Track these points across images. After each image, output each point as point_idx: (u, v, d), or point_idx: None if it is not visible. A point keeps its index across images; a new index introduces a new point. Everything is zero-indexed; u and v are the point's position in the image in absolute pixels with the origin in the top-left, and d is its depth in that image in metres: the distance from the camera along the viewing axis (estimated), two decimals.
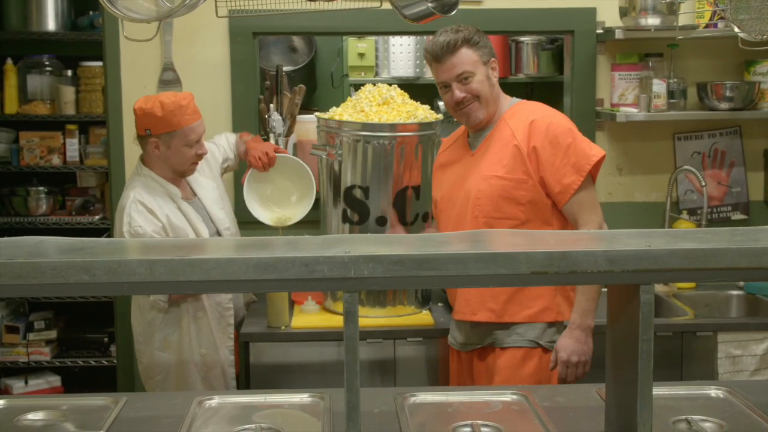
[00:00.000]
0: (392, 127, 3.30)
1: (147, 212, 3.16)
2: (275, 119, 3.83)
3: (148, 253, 1.88)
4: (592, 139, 3.95)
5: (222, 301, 3.30)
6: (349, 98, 3.53)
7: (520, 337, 2.85)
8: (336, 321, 3.40)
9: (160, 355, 3.26)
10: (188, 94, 3.25)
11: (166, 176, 3.26)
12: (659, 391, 2.28)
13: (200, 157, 3.27)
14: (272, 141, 3.81)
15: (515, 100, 2.94)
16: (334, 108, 3.49)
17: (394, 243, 1.98)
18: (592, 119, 3.97)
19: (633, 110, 3.83)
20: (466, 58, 2.85)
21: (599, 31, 3.92)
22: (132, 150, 3.87)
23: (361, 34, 4.70)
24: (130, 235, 3.11)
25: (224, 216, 3.38)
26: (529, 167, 2.77)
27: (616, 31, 3.72)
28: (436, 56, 2.87)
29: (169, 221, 3.19)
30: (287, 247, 1.90)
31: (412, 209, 3.32)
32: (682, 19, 3.67)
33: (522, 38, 4.86)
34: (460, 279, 1.83)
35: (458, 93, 2.87)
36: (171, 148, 3.20)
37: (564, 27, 3.94)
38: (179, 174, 3.27)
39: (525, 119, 2.81)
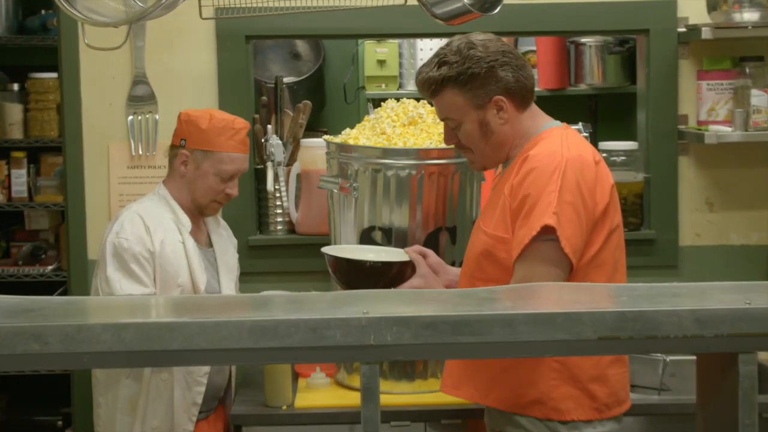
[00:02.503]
0: (421, 153, 3.32)
1: (143, 228, 3.26)
2: (274, 144, 3.86)
3: (116, 314, 1.88)
4: (674, 166, 3.97)
5: (194, 371, 3.32)
6: (366, 117, 3.56)
7: None
8: (351, 399, 3.40)
9: (123, 421, 3.27)
10: (245, 122, 3.42)
11: (183, 203, 3.38)
12: None
13: (228, 198, 3.39)
14: (270, 170, 3.85)
15: (547, 125, 2.89)
16: (347, 130, 3.52)
17: (425, 301, 1.98)
18: (673, 141, 3.97)
19: (726, 129, 3.83)
20: (450, 102, 2.83)
21: (681, 29, 3.93)
22: (95, 183, 3.90)
23: (380, 36, 4.74)
24: (114, 248, 3.22)
25: (232, 289, 3.46)
26: (509, 222, 2.76)
27: (703, 29, 3.73)
28: (419, 92, 2.90)
29: (162, 251, 3.26)
30: (290, 306, 1.90)
31: (447, 256, 3.33)
32: None
33: (583, 39, 4.89)
34: (508, 347, 1.83)
35: (447, 136, 2.91)
36: (199, 170, 3.34)
37: (636, 25, 3.96)
38: (197, 207, 3.39)
39: (526, 154, 2.79)
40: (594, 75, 4.90)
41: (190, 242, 3.34)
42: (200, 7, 3.14)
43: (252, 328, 1.79)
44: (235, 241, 3.63)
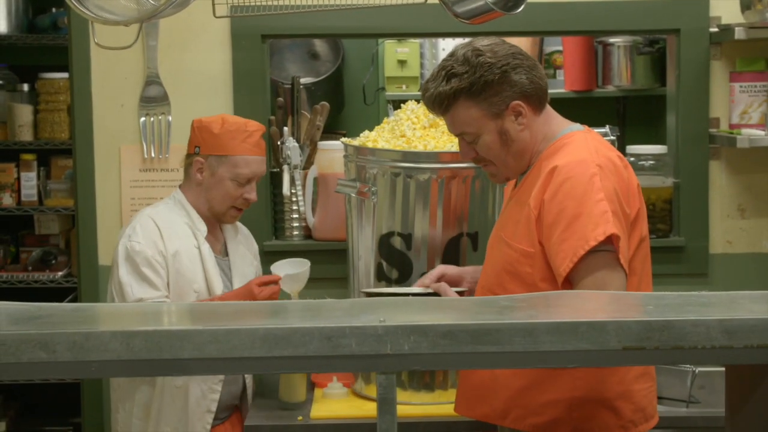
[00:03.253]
0: (441, 156, 3.32)
1: (156, 232, 3.29)
2: (290, 146, 3.87)
3: (125, 321, 1.89)
4: (704, 171, 3.97)
5: (209, 378, 3.33)
6: (385, 119, 3.56)
7: None
8: (369, 409, 3.41)
9: (138, 426, 3.29)
10: (258, 124, 3.45)
11: (200, 211, 3.41)
12: None
13: (246, 203, 3.41)
14: (287, 174, 3.85)
15: (567, 129, 2.85)
16: (366, 132, 3.52)
17: (444, 309, 1.98)
18: (704, 145, 3.96)
19: (759, 133, 3.81)
20: (464, 116, 2.78)
21: (713, 29, 3.92)
22: (106, 187, 3.92)
23: (401, 36, 4.75)
24: (126, 251, 3.26)
25: None
26: (535, 236, 2.72)
27: (736, 29, 3.72)
28: (429, 110, 2.86)
29: (178, 256, 3.29)
30: (305, 314, 1.91)
31: (468, 263, 3.33)
32: None
33: (611, 40, 4.88)
34: (529, 357, 1.82)
35: (463, 151, 2.86)
36: (215, 176, 3.36)
37: (667, 25, 3.95)
38: (215, 215, 3.41)
39: (552, 163, 2.74)
40: (622, 76, 4.88)
41: (206, 247, 3.36)
42: (214, 5, 3.14)
43: (265, 337, 1.80)
44: (255, 248, 3.65)
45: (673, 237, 4.00)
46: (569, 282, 2.70)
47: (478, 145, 2.82)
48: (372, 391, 3.45)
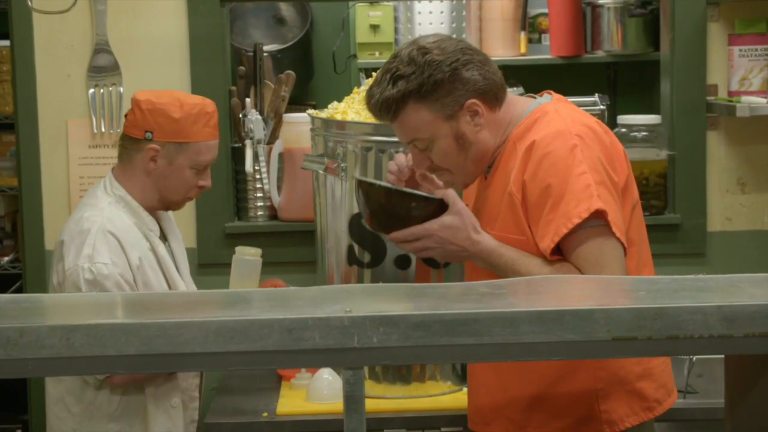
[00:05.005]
0: None
1: (119, 248, 3.12)
2: (253, 119, 3.83)
3: (65, 314, 1.85)
4: (701, 142, 3.96)
5: (188, 387, 3.28)
6: (355, 89, 3.52)
7: None
8: (341, 404, 3.38)
9: None
10: (213, 103, 3.28)
11: (146, 203, 3.23)
12: None
13: (200, 191, 3.27)
14: (249, 149, 3.81)
15: (533, 105, 2.81)
16: (335, 103, 3.49)
17: (417, 296, 1.94)
18: (701, 114, 3.95)
19: (760, 100, 3.80)
20: (414, 121, 2.71)
21: None
22: (52, 165, 3.87)
23: None
24: (90, 273, 3.06)
25: (190, 279, 3.41)
26: (523, 221, 2.70)
27: None
28: (376, 117, 2.79)
29: (142, 268, 3.16)
30: (264, 304, 1.87)
31: None
32: None
33: (601, 1, 4.84)
34: (510, 349, 1.79)
35: (416, 160, 2.79)
36: (173, 165, 3.19)
37: None
38: (165, 204, 3.26)
39: (527, 141, 2.71)
40: (613, 41, 4.84)
41: (161, 248, 3.24)
42: None
43: (219, 330, 1.76)
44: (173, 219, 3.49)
45: (668, 214, 3.98)
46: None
47: (433, 153, 2.74)
48: (369, 388, 3.42)
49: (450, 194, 2.73)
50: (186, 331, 1.76)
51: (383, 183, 2.84)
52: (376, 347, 1.77)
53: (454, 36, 3.54)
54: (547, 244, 2.65)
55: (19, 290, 4.29)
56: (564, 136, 2.68)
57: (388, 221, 2.73)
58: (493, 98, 2.75)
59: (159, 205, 3.25)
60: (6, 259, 5.02)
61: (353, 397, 1.81)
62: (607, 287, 2.10)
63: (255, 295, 1.94)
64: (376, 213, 2.74)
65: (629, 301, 1.83)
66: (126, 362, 1.80)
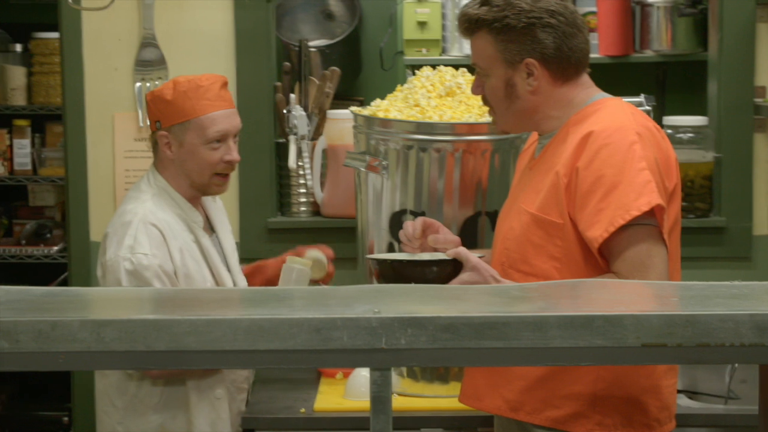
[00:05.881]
0: (458, 128, 3.29)
1: (161, 240, 3.14)
2: (297, 115, 3.84)
3: (97, 309, 1.86)
4: (748, 144, 3.92)
5: (236, 378, 3.29)
6: (398, 87, 3.52)
7: None
8: None
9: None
10: (215, 76, 3.29)
11: (185, 193, 3.25)
12: None
13: (230, 166, 3.25)
14: (293, 145, 3.81)
15: (596, 96, 2.84)
16: (378, 101, 3.48)
17: (448, 298, 1.94)
18: (747, 116, 3.91)
19: None
20: (480, 48, 2.80)
21: None
22: (98, 157, 3.90)
23: None
24: (130, 264, 3.09)
25: (240, 268, 3.41)
26: (565, 206, 2.70)
27: None
28: (458, 27, 2.92)
29: (183, 261, 3.17)
30: (294, 303, 1.87)
31: (486, 245, 3.30)
32: None
33: (651, 0, 4.81)
34: (539, 353, 1.78)
35: (475, 83, 2.89)
36: (185, 147, 3.20)
37: None
38: (199, 189, 3.26)
39: (584, 129, 2.72)
40: (662, 40, 4.80)
41: (205, 239, 3.25)
42: None
43: (249, 328, 1.76)
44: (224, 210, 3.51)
45: (713, 217, 3.94)
46: (606, 258, 2.69)
47: (486, 85, 2.84)
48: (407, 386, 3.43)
49: (462, 252, 2.73)
50: (216, 329, 1.76)
51: (394, 256, 2.95)
52: (404, 349, 1.77)
53: None
54: (599, 233, 2.64)
55: (66, 281, 4.33)
56: (624, 131, 2.70)
57: None
58: (558, 70, 2.79)
59: (193, 191, 3.25)
60: (55, 248, 5.08)
61: (380, 397, 1.81)
62: (639, 292, 2.09)
63: (287, 294, 1.95)
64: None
65: (660, 307, 1.81)
66: (156, 358, 1.81)
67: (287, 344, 1.77)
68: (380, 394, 1.81)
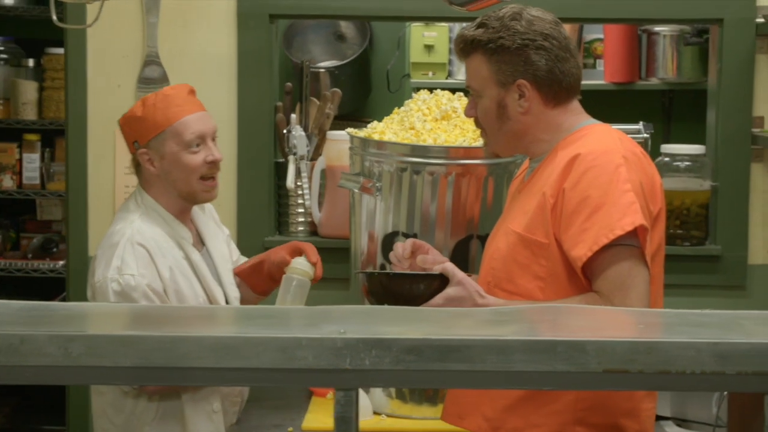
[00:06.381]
0: (452, 151, 3.29)
1: (148, 259, 3.14)
2: (297, 135, 3.85)
3: (66, 324, 1.88)
4: (745, 174, 3.92)
5: (231, 392, 3.28)
6: (395, 109, 3.53)
7: None
8: (374, 422, 3.41)
9: None
10: (180, 85, 3.31)
11: (173, 208, 3.25)
12: None
13: (213, 165, 3.23)
14: (292, 165, 3.83)
15: (585, 122, 2.87)
16: (375, 123, 3.50)
17: (416, 320, 1.95)
18: (745, 145, 3.91)
19: None
20: (474, 69, 2.84)
21: (760, 20, 3.87)
22: (99, 173, 3.92)
23: (425, 19, 4.72)
24: (118, 285, 3.09)
25: (233, 280, 3.39)
26: (550, 226, 2.73)
27: None
28: (454, 48, 2.98)
29: (173, 278, 3.17)
30: (263, 321, 1.88)
31: (478, 268, 3.29)
32: None
33: (657, 28, 4.83)
34: (502, 377, 1.79)
35: (468, 106, 2.92)
36: (166, 158, 3.19)
37: (709, 14, 3.91)
38: (188, 198, 3.25)
39: (572, 152, 2.76)
40: (667, 68, 4.82)
41: (195, 255, 3.25)
42: None
43: (214, 346, 1.77)
44: (216, 216, 3.48)
45: (708, 245, 3.94)
46: (588, 277, 2.71)
47: (478, 107, 2.86)
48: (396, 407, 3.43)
49: (448, 267, 2.78)
50: (182, 346, 1.77)
51: (382, 270, 2.94)
52: (369, 369, 1.78)
53: None
54: (583, 252, 2.67)
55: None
56: (611, 154, 2.73)
57: (394, 305, 2.76)
58: (549, 92, 2.82)
59: (182, 203, 3.24)
60: (61, 263, 5.10)
61: (344, 418, 1.81)
62: (607, 318, 2.10)
63: (258, 313, 1.96)
64: (382, 299, 2.80)
65: (624, 333, 1.82)
66: (123, 374, 1.83)
67: (252, 362, 1.78)
68: (344, 414, 1.81)
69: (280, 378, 1.81)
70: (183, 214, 3.27)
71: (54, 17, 2.48)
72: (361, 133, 3.45)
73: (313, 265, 3.27)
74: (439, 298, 2.74)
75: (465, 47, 2.83)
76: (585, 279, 2.72)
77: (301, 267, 3.27)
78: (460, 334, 1.81)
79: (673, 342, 1.78)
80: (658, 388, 1.83)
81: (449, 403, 2.94)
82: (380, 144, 3.35)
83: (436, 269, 2.79)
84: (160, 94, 3.23)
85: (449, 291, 2.74)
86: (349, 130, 3.55)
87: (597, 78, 4.95)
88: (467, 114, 2.93)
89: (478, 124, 2.91)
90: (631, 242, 2.66)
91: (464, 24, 4.92)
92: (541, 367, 1.78)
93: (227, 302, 3.27)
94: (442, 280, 2.76)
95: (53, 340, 1.76)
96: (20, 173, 5.21)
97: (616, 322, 2.02)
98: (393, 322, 1.91)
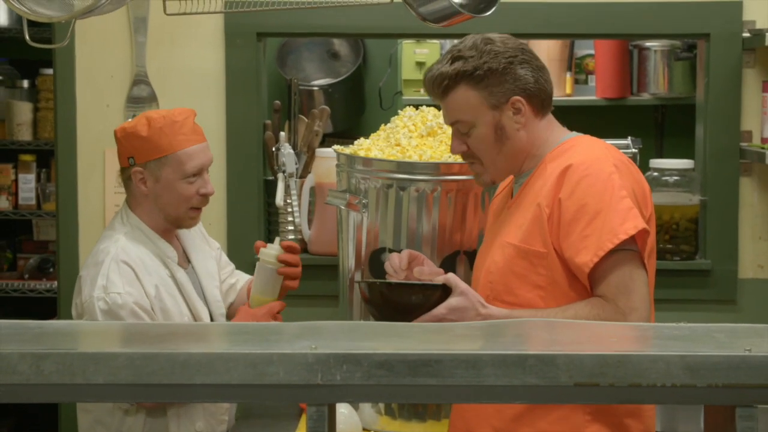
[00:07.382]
0: (438, 167, 3.29)
1: (133, 277, 3.14)
2: (286, 153, 3.84)
3: (38, 342, 1.88)
4: (734, 188, 3.91)
5: (217, 411, 3.27)
6: (382, 126, 3.53)
7: None
8: None
9: None
10: (186, 110, 3.29)
11: (158, 227, 3.25)
12: None
13: (204, 199, 3.25)
14: (281, 182, 3.83)
15: (569, 135, 2.91)
16: (362, 139, 3.50)
17: (389, 335, 1.95)
18: (733, 160, 3.91)
19: None
20: (462, 102, 2.82)
21: (746, 34, 3.87)
22: (89, 192, 3.93)
23: (416, 36, 4.73)
24: (105, 304, 3.09)
25: (219, 296, 3.39)
26: (548, 235, 2.75)
27: None
28: (428, 92, 2.89)
29: (159, 296, 3.17)
30: (232, 337, 1.88)
31: (466, 283, 3.29)
32: None
33: (648, 44, 4.83)
34: (473, 391, 1.79)
35: (454, 144, 2.88)
36: (160, 182, 3.20)
37: (696, 29, 3.92)
38: (173, 223, 3.26)
39: (563, 163, 2.78)
40: (659, 83, 4.83)
41: (180, 273, 3.25)
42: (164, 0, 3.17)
43: (185, 362, 1.77)
44: (204, 230, 3.48)
45: (698, 260, 3.94)
46: (590, 283, 2.73)
47: (471, 138, 2.84)
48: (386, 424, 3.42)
49: (451, 278, 2.79)
50: (152, 363, 1.78)
51: (383, 280, 2.93)
52: (340, 385, 1.78)
53: None
54: (588, 258, 2.69)
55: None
56: (602, 162, 2.77)
57: (395, 315, 2.76)
58: (539, 103, 2.85)
59: (168, 225, 3.25)
60: (56, 282, 5.10)
61: None
62: (580, 332, 2.09)
63: (229, 329, 1.96)
64: (383, 309, 2.79)
65: (595, 347, 1.81)
66: (94, 391, 1.83)
67: (223, 379, 1.78)
68: (317, 429, 1.81)
69: (252, 394, 1.82)
70: (168, 233, 3.27)
71: (26, 36, 2.48)
72: (348, 150, 3.46)
73: (283, 248, 3.27)
74: (441, 308, 2.75)
75: (449, 83, 2.81)
76: (586, 284, 2.75)
77: (268, 252, 3.28)
78: (430, 348, 1.81)
79: (643, 355, 1.78)
80: (629, 401, 1.82)
81: (455, 418, 2.94)
82: (366, 161, 3.36)
83: (439, 279, 2.80)
84: (168, 119, 3.21)
85: (452, 301, 2.75)
86: (336, 147, 3.55)
87: (589, 93, 4.96)
88: (455, 151, 2.90)
89: (467, 157, 2.89)
90: (631, 247, 2.71)
91: (455, 41, 4.97)
92: (511, 381, 1.78)
93: (212, 320, 3.27)
94: (443, 291, 2.76)
95: (24, 358, 1.77)
96: (16, 194, 5.22)
97: (589, 335, 2.02)
98: (365, 337, 1.92)
